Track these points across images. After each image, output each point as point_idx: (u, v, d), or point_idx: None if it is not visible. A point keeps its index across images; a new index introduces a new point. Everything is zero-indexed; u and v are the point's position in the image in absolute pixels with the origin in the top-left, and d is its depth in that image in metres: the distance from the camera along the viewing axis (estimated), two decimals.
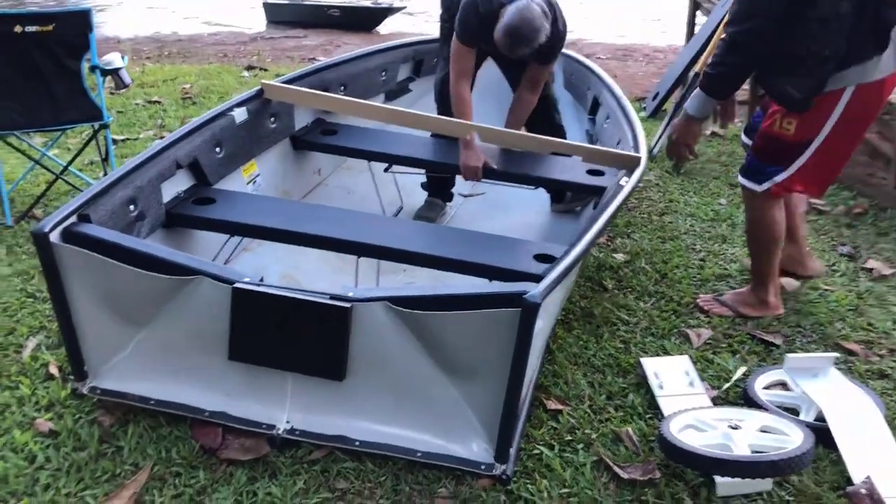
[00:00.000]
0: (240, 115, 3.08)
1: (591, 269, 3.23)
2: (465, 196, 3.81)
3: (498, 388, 1.97)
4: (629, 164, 2.96)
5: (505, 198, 3.70)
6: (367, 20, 10.95)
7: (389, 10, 11.07)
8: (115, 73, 3.88)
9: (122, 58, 3.92)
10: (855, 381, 2.40)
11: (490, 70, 3.61)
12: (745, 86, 2.81)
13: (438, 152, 3.40)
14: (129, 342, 2.24)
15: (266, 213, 2.71)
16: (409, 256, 2.55)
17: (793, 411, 2.31)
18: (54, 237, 2.10)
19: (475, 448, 2.07)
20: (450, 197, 3.72)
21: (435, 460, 2.06)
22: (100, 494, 1.98)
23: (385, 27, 11.06)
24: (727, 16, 2.58)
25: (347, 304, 2.00)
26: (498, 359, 1.94)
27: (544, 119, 3.52)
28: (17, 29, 3.53)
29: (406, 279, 3.04)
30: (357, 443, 2.10)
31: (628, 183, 2.72)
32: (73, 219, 2.19)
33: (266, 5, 11.55)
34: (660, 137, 4.66)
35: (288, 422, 2.14)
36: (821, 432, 2.12)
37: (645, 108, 5.81)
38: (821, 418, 2.22)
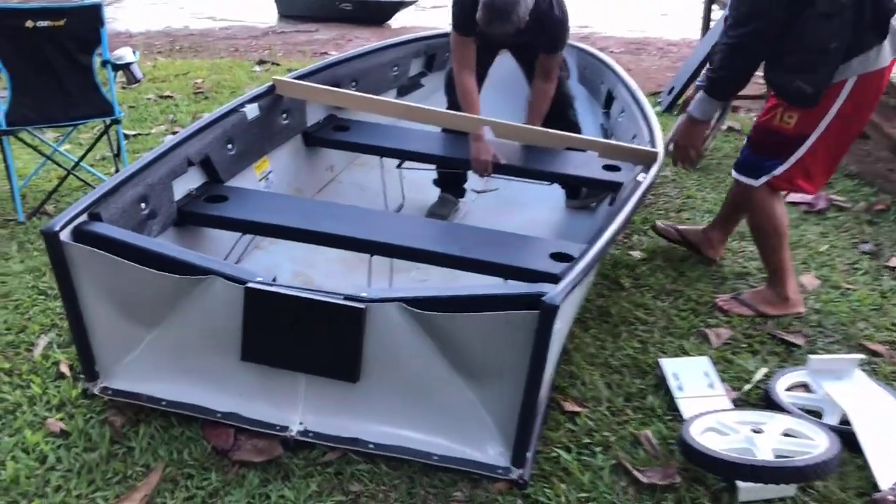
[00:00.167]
0: (251, 111, 3.05)
1: (607, 266, 3.18)
2: (479, 192, 3.77)
3: (515, 391, 1.93)
4: (646, 160, 2.90)
5: (519, 194, 3.66)
6: (378, 14, 10.93)
7: (401, 4, 11.04)
8: (126, 67, 3.85)
9: (134, 52, 3.89)
10: (880, 384, 2.35)
11: (504, 65, 3.56)
12: (761, 80, 2.76)
13: (450, 147, 3.36)
14: (141, 342, 2.22)
15: (279, 211, 2.68)
16: (423, 255, 2.51)
17: (815, 414, 2.26)
18: (65, 236, 2.08)
19: (491, 452, 2.03)
20: (462, 193, 3.68)
21: (451, 464, 2.03)
22: (111, 496, 1.96)
23: (396, 21, 11.04)
24: (727, 18, 2.56)
25: (362, 305, 1.97)
26: (515, 361, 1.90)
27: (559, 116, 3.47)
28: (29, 24, 3.53)
29: (419, 276, 3.00)
30: (371, 445, 2.07)
31: (646, 178, 2.67)
32: (84, 217, 2.16)
33: None
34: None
35: (301, 423, 2.11)
36: (845, 436, 2.08)
37: (660, 102, 5.75)
38: (845, 422, 2.17)
